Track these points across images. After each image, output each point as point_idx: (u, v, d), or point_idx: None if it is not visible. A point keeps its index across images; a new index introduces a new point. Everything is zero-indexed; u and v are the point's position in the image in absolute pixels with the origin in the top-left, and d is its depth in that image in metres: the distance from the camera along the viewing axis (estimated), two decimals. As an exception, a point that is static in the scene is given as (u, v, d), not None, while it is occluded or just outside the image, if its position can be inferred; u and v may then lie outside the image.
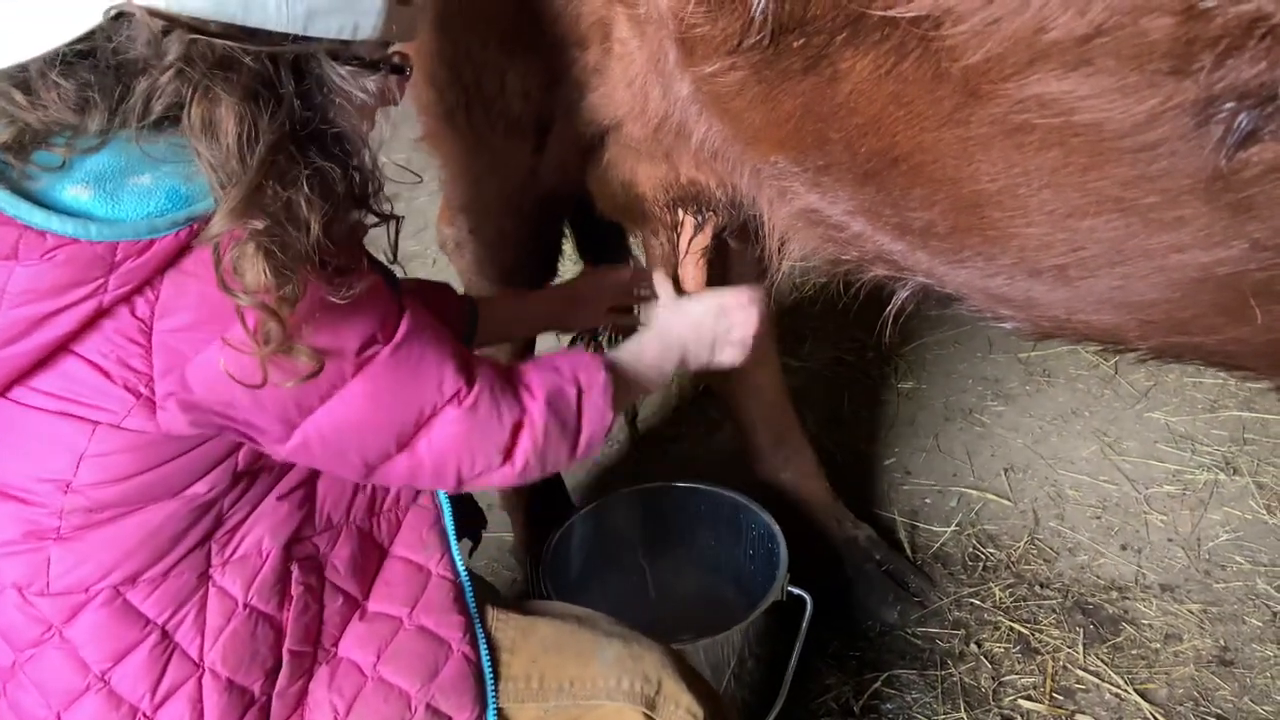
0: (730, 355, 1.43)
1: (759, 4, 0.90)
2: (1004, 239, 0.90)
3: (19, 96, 0.89)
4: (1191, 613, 2.20)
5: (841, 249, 1.14)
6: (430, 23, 1.56)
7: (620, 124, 1.40)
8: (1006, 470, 2.69)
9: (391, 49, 1.07)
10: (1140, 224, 0.81)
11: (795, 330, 3.28)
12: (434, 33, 1.58)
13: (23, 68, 0.89)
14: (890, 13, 0.79)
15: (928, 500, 2.61)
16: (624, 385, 1.31)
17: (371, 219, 1.10)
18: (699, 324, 1.42)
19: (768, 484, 2.36)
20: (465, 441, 1.13)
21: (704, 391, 3.03)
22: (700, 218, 1.52)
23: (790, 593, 1.95)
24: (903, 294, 1.14)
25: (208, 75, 0.89)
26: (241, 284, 0.91)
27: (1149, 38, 0.69)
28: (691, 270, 1.68)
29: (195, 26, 0.89)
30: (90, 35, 0.88)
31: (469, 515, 1.36)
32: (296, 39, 0.94)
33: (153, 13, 0.87)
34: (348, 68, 0.99)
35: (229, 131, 0.89)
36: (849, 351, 3.21)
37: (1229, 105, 0.70)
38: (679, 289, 1.53)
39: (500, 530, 2.52)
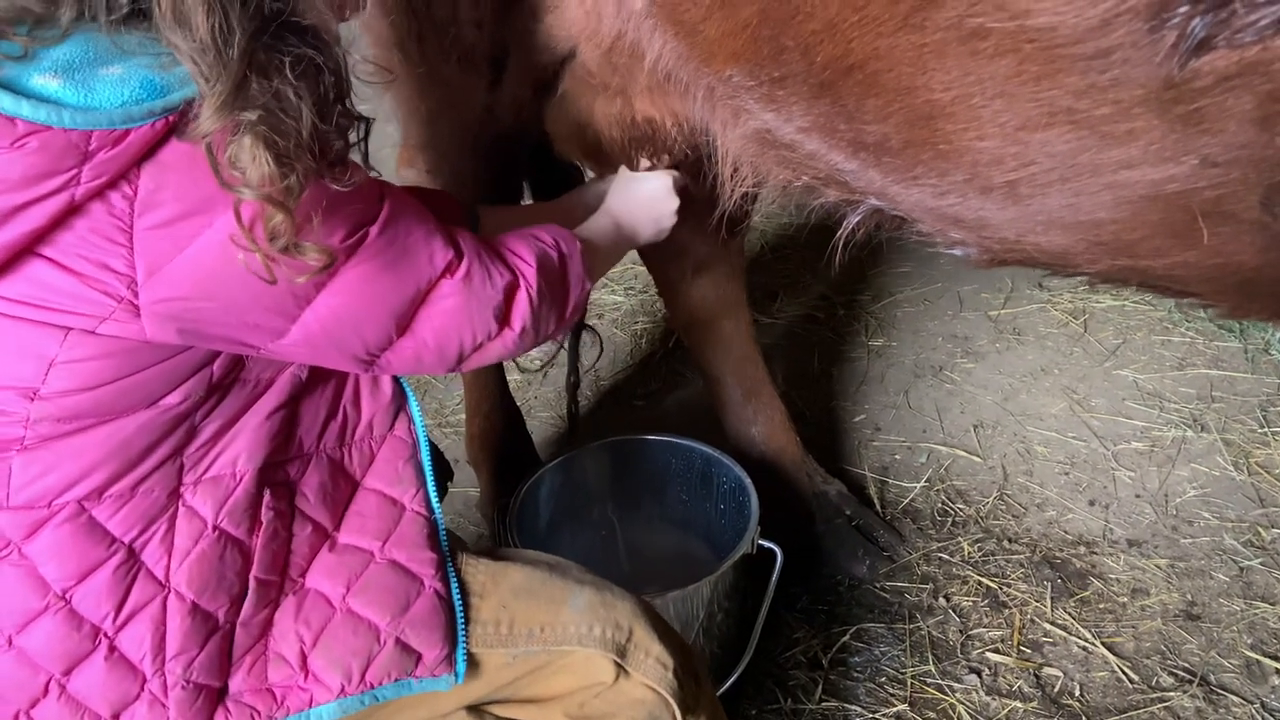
0: (662, 234, 1.55)
1: (715, -95, 0.88)
2: (956, 154, 0.88)
3: None
4: (1159, 567, 2.21)
5: (794, 172, 1.12)
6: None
7: (574, 49, 1.38)
8: (976, 427, 2.69)
9: None
10: (1092, 137, 0.79)
11: (766, 287, 3.27)
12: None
13: None
14: (842, -88, 0.77)
15: (897, 456, 2.61)
16: (593, 258, 1.35)
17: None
18: (652, 202, 1.50)
19: (737, 439, 2.35)
20: (465, 311, 1.13)
21: (674, 347, 3.02)
22: (656, 161, 1.50)
23: (760, 546, 1.94)
24: (854, 219, 1.13)
25: None
26: (242, 178, 0.89)
27: (1103, -67, 0.67)
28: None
29: None
30: None
31: (436, 467, 1.35)
32: None
33: None
34: None
35: (200, 23, 0.86)
36: (819, 309, 3.20)
37: (1183, 9, 0.68)
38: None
39: (466, 485, 2.51)
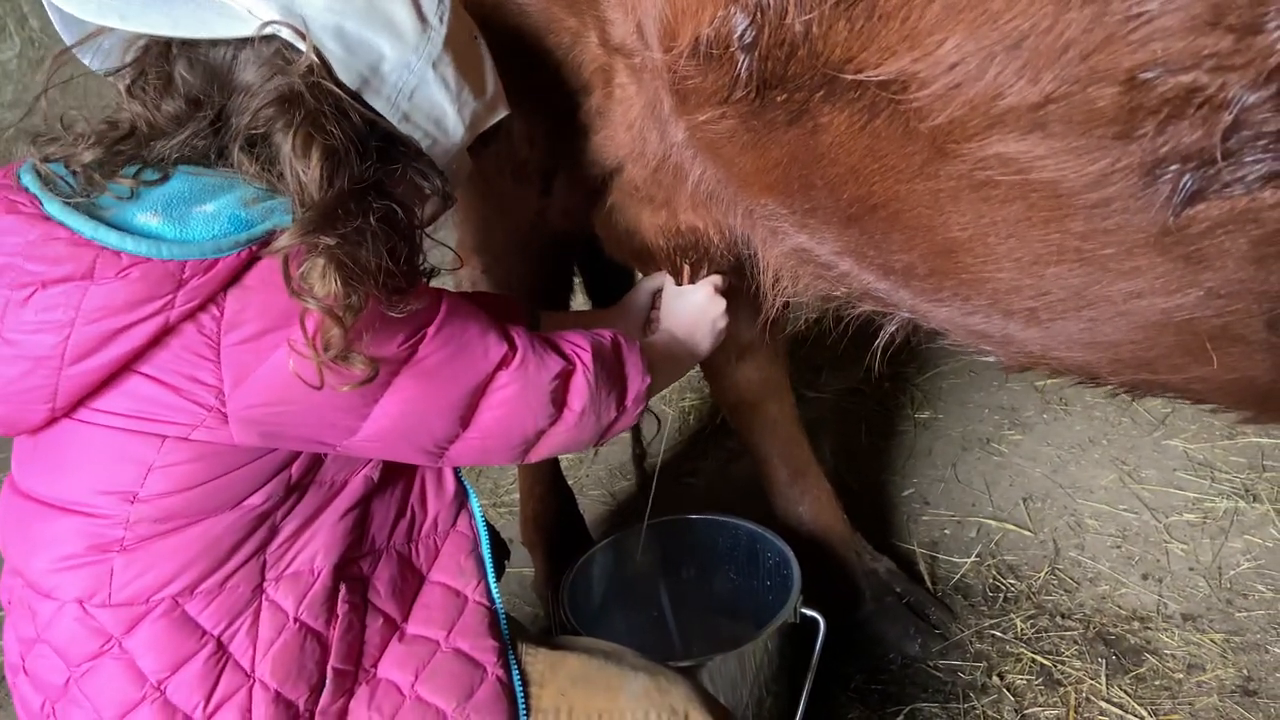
0: (721, 337, 1.60)
1: (743, 61, 0.96)
2: (977, 283, 0.95)
3: (132, 85, 1.05)
4: (1214, 642, 2.19)
5: (831, 286, 1.20)
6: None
7: (621, 166, 1.46)
8: (1025, 500, 2.69)
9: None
10: (1100, 272, 0.85)
11: (811, 361, 3.31)
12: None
13: (144, 51, 1.06)
14: (860, 76, 0.84)
15: (947, 531, 2.62)
16: (656, 366, 1.40)
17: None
18: (702, 313, 1.57)
19: (785, 517, 2.38)
20: (522, 399, 1.20)
21: (722, 423, 3.06)
22: (700, 267, 1.57)
23: (804, 614, 1.96)
24: (891, 327, 1.20)
25: (320, 110, 1.02)
26: (310, 291, 1.00)
27: (1096, 105, 0.73)
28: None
29: (327, 68, 1.04)
30: (224, 42, 1.03)
31: (493, 546, 1.42)
32: (389, 124, 1.11)
33: (303, 37, 1.02)
34: (416, 164, 1.16)
35: (318, 161, 1.00)
36: (864, 382, 3.23)
37: (1174, 167, 0.74)
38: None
39: (521, 565, 2.56)
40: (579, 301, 2.40)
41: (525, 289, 1.93)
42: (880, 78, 0.83)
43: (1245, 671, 2.11)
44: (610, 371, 1.30)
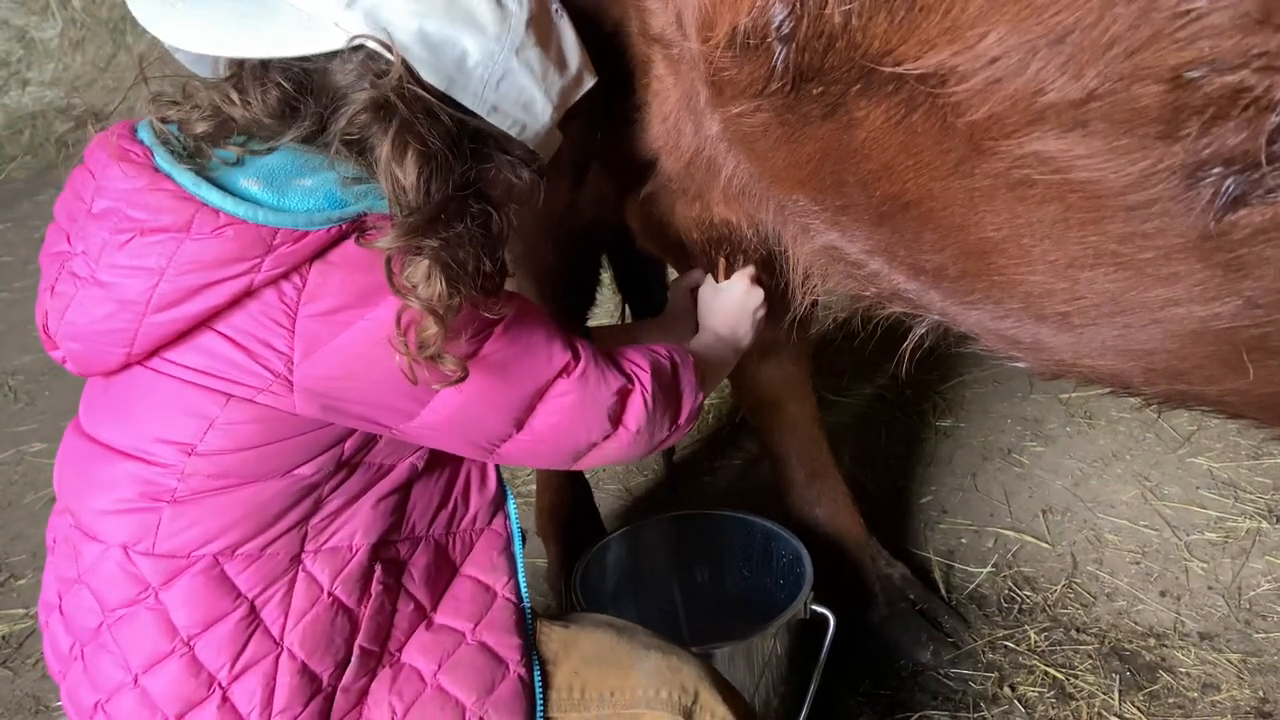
0: (761, 326, 1.60)
1: (779, 53, 0.96)
2: (1010, 285, 0.93)
3: (233, 94, 1.07)
4: (1230, 662, 2.16)
5: (861, 285, 1.19)
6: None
7: (655, 159, 1.46)
8: (1045, 512, 2.67)
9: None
10: (1136, 277, 0.84)
11: (833, 366, 3.29)
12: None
13: (239, 65, 1.08)
14: (899, 69, 0.83)
15: (964, 540, 2.60)
16: (704, 370, 1.43)
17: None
18: (741, 306, 1.57)
19: (801, 519, 2.37)
20: (579, 410, 1.21)
21: (740, 422, 3.06)
22: (734, 260, 1.57)
23: (814, 611, 1.95)
24: (920, 330, 1.19)
25: (412, 117, 1.04)
26: (413, 290, 1.03)
27: (1139, 104, 0.72)
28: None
29: (413, 74, 1.06)
30: (316, 56, 1.06)
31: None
32: (479, 118, 1.13)
33: (389, 48, 1.04)
34: (509, 157, 1.17)
35: (412, 169, 1.03)
36: (887, 388, 3.21)
37: (1216, 170, 0.72)
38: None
39: (535, 556, 2.56)
40: (605, 295, 2.39)
41: (553, 278, 1.94)
42: (919, 71, 0.82)
43: (1261, 693, 2.09)
44: (667, 392, 1.31)
